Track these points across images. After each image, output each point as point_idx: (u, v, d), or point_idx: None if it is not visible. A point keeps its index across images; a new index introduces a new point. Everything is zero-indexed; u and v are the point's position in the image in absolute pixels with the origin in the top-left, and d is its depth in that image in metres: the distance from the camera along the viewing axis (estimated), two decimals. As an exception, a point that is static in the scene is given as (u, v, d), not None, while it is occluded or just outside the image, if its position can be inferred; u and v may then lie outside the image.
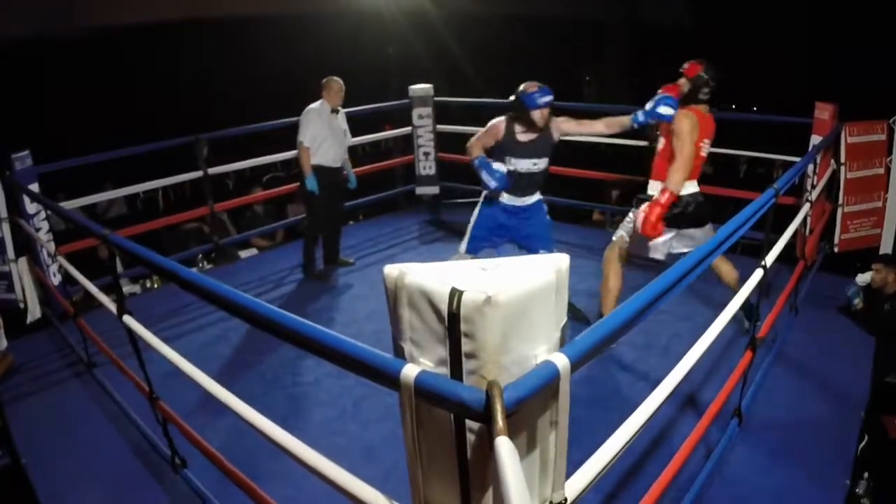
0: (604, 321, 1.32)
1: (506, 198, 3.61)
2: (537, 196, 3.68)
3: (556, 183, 6.04)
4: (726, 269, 3.42)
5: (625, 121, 3.39)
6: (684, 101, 3.24)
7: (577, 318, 3.75)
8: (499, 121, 3.51)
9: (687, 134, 3.16)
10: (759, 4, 10.86)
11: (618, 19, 12.44)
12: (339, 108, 4.59)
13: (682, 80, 3.27)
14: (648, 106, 3.25)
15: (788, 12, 10.45)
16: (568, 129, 3.54)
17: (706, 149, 3.36)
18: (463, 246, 3.73)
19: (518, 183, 3.55)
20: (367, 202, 6.06)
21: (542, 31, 11.28)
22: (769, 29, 10.89)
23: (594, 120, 3.55)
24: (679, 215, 3.29)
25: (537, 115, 3.39)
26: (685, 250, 3.30)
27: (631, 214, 3.47)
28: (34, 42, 6.91)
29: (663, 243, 3.36)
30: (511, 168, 3.47)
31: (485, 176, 3.44)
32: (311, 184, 4.46)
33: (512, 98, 3.44)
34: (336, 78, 4.59)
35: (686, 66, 3.28)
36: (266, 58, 9.18)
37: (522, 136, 3.47)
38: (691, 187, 3.33)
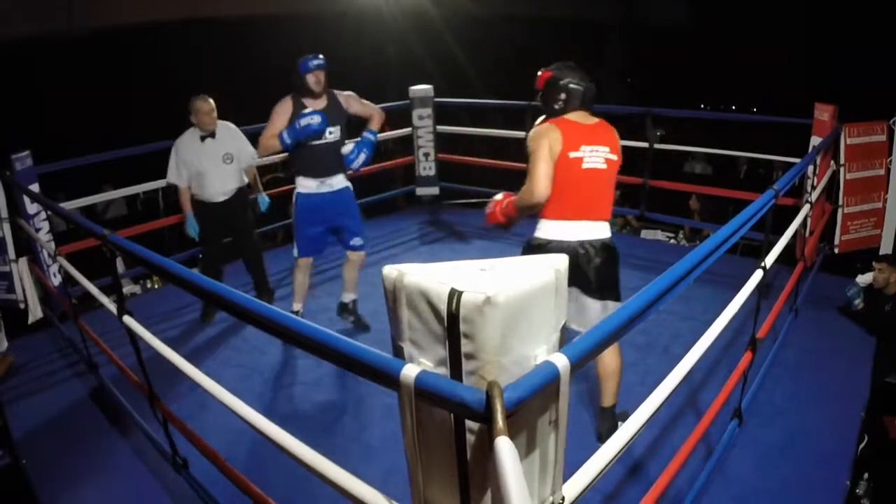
0: (604, 321, 1.32)
1: (314, 186, 3.54)
2: (344, 181, 3.64)
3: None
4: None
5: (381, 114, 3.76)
6: (548, 113, 2.62)
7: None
8: (283, 101, 3.45)
9: (534, 147, 2.49)
10: (759, 4, 10.86)
11: (618, 19, 12.44)
12: (214, 130, 3.90)
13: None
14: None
15: (788, 13, 10.45)
16: (356, 107, 3.67)
17: (591, 160, 2.51)
18: (295, 251, 3.68)
19: (321, 161, 3.49)
20: (367, 203, 6.05)
21: (542, 31, 11.28)
22: (769, 29, 10.90)
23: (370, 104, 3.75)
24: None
25: (312, 80, 3.40)
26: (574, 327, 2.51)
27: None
28: (34, 42, 6.91)
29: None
30: (312, 144, 3.41)
31: (304, 122, 3.32)
32: (191, 228, 3.97)
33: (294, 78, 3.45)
34: (203, 96, 3.86)
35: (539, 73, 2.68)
36: (266, 58, 9.17)
37: (312, 106, 3.43)
38: (555, 230, 2.56)
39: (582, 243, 2.53)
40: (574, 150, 2.48)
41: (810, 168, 3.71)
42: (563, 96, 2.57)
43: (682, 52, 11.74)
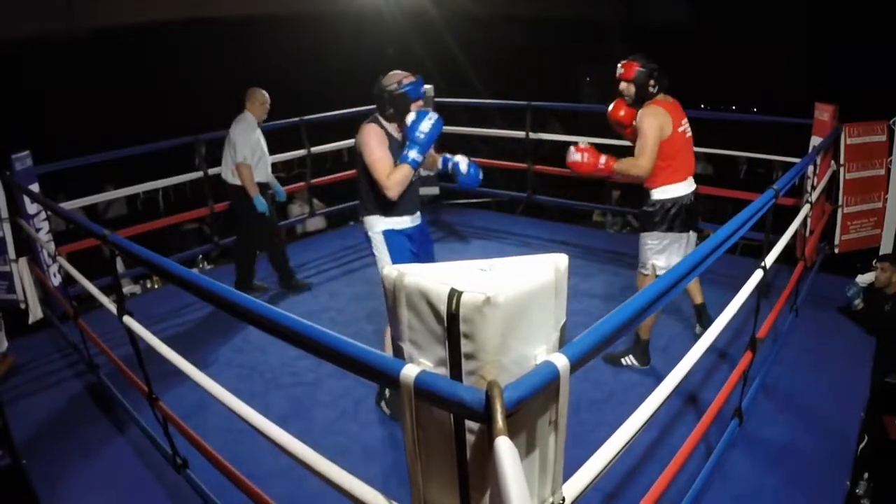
0: (604, 321, 1.32)
1: (408, 221, 2.98)
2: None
3: (556, 183, 6.06)
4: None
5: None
6: (640, 100, 3.16)
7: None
8: (372, 131, 2.83)
9: (648, 129, 3.06)
10: (759, 4, 10.86)
11: (618, 19, 12.44)
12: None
13: (624, 85, 3.20)
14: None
15: (788, 12, 10.45)
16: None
17: (687, 131, 3.23)
18: None
19: (412, 194, 2.96)
20: (367, 202, 6.06)
21: (542, 31, 11.28)
22: (769, 29, 10.89)
23: None
24: (662, 219, 3.19)
25: (415, 107, 2.85)
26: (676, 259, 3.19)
27: (647, 241, 3.28)
28: (34, 42, 6.91)
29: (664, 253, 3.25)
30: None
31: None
32: (261, 205, 4.20)
33: (384, 92, 2.84)
34: (261, 89, 4.27)
35: (621, 70, 3.19)
36: (266, 58, 9.17)
37: (398, 136, 2.90)
38: (673, 191, 3.18)
39: (690, 195, 3.25)
40: (679, 126, 3.16)
41: (810, 168, 3.71)
42: (653, 82, 3.14)
43: (682, 52, 11.72)
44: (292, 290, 4.59)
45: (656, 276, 3.20)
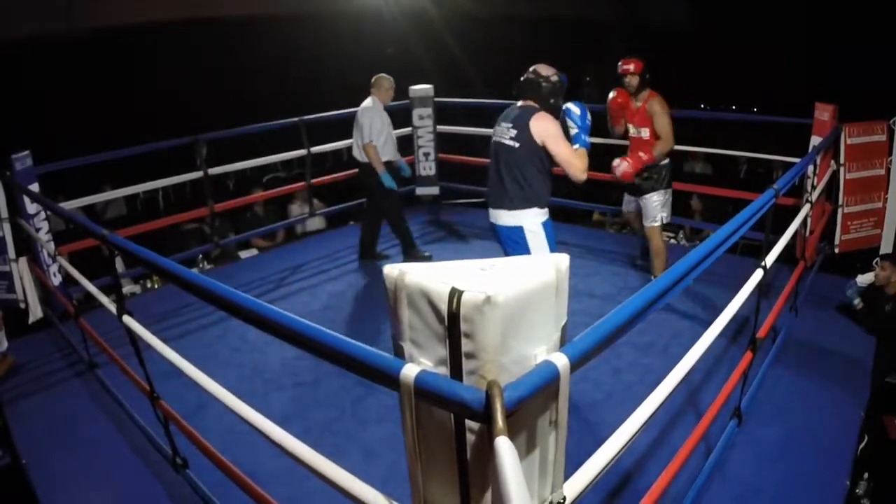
0: (604, 321, 1.32)
1: (547, 213, 3.13)
2: None
3: (556, 182, 6.05)
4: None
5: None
6: (638, 91, 3.97)
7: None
8: (547, 116, 2.96)
9: (664, 111, 3.87)
10: (759, 4, 10.85)
11: (618, 19, 12.43)
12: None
13: (629, 78, 3.94)
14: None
15: (788, 12, 10.44)
16: None
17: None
18: None
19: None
20: (367, 202, 6.05)
21: (542, 31, 11.27)
22: (769, 29, 10.89)
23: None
24: (670, 181, 4.04)
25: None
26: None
27: (657, 198, 4.04)
28: (34, 42, 6.91)
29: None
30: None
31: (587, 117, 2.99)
32: (389, 181, 4.67)
33: (549, 83, 2.98)
34: (388, 76, 4.79)
35: (630, 67, 3.94)
36: (266, 58, 9.17)
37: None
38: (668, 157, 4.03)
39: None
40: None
41: (810, 168, 3.71)
42: (648, 76, 3.97)
43: (682, 52, 11.72)
44: (412, 259, 4.86)
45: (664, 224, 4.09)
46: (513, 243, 3.07)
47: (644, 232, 4.24)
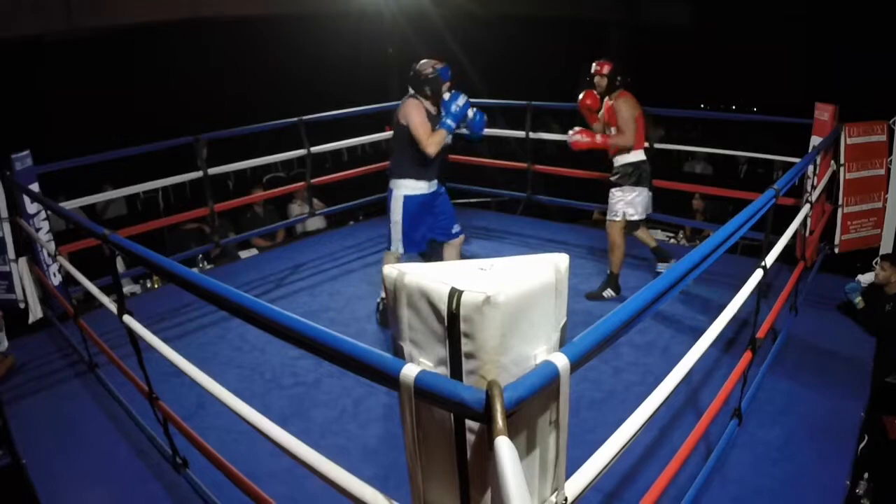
0: (604, 321, 1.32)
1: (423, 187, 3.69)
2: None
3: (556, 183, 6.06)
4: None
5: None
6: (607, 91, 4.10)
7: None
8: (413, 104, 3.57)
9: (626, 109, 4.01)
10: (759, 4, 10.85)
11: (618, 19, 12.44)
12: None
13: (598, 79, 4.09)
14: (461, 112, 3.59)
15: (788, 12, 10.44)
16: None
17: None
18: (399, 247, 3.76)
19: (433, 163, 3.67)
20: (368, 202, 6.06)
21: (542, 31, 11.28)
22: (769, 29, 10.89)
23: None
24: (638, 179, 4.10)
25: (445, 87, 3.61)
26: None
27: (619, 194, 4.16)
28: (34, 42, 6.91)
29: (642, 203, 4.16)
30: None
31: (461, 102, 3.54)
32: None
33: (421, 76, 3.59)
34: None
35: (599, 68, 4.08)
36: (266, 58, 9.18)
37: (433, 111, 3.64)
38: (636, 156, 4.10)
39: (646, 161, 4.16)
40: (641, 111, 4.10)
41: (810, 168, 3.70)
42: (619, 78, 4.07)
43: (682, 52, 11.74)
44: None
45: (626, 222, 4.16)
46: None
47: (635, 232, 4.35)
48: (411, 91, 3.66)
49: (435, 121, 3.58)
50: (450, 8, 9.01)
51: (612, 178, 4.19)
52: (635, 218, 4.16)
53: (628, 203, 4.12)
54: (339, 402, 3.17)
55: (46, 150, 4.64)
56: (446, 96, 3.57)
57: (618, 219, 4.15)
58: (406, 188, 3.68)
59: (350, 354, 1.25)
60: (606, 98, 4.15)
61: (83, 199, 4.67)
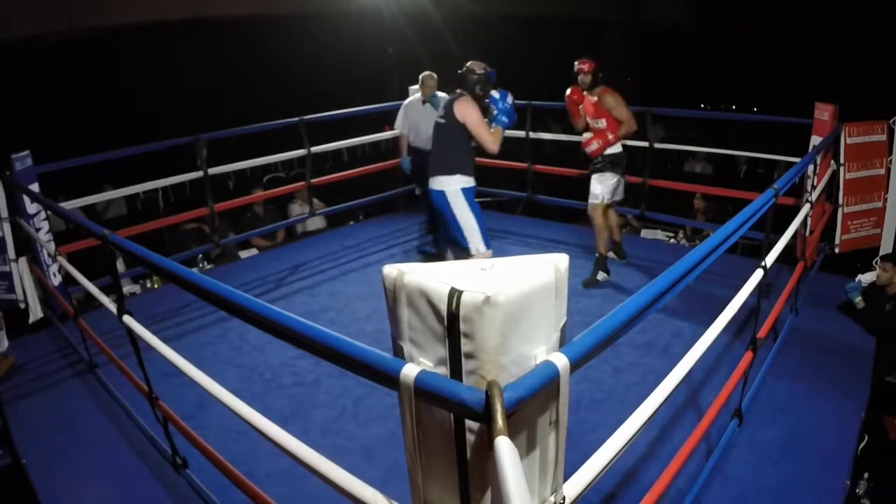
0: (604, 321, 1.32)
1: (472, 181, 3.76)
2: None
3: (556, 182, 6.06)
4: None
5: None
6: (591, 87, 4.29)
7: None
8: (470, 103, 3.66)
9: (619, 102, 4.22)
10: (759, 4, 10.85)
11: (618, 19, 12.43)
12: (429, 98, 5.25)
13: (582, 77, 4.28)
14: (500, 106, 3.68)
15: (788, 12, 10.44)
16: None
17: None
18: (481, 244, 3.75)
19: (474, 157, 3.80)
20: (367, 202, 6.06)
21: (542, 31, 11.27)
22: (769, 29, 10.89)
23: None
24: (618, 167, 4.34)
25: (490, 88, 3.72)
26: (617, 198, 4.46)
27: (599, 179, 4.35)
28: (34, 42, 6.90)
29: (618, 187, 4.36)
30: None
31: (510, 101, 3.66)
32: (406, 164, 5.44)
33: (474, 75, 3.69)
34: (429, 73, 5.23)
35: (583, 66, 4.27)
36: (266, 58, 9.16)
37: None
38: (618, 147, 4.34)
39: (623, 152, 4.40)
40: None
41: (810, 168, 3.70)
42: (601, 75, 4.30)
43: (682, 52, 11.73)
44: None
45: (606, 205, 4.36)
46: (438, 205, 3.79)
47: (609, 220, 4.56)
48: (458, 90, 3.73)
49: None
50: (450, 8, 9.00)
51: (597, 167, 4.38)
52: (616, 198, 4.44)
53: (608, 189, 4.34)
54: (339, 401, 3.17)
55: (46, 150, 4.64)
56: (496, 94, 3.65)
57: (596, 201, 4.35)
58: (461, 182, 3.70)
59: (350, 354, 1.25)
60: (587, 94, 4.33)
61: (83, 199, 4.67)
